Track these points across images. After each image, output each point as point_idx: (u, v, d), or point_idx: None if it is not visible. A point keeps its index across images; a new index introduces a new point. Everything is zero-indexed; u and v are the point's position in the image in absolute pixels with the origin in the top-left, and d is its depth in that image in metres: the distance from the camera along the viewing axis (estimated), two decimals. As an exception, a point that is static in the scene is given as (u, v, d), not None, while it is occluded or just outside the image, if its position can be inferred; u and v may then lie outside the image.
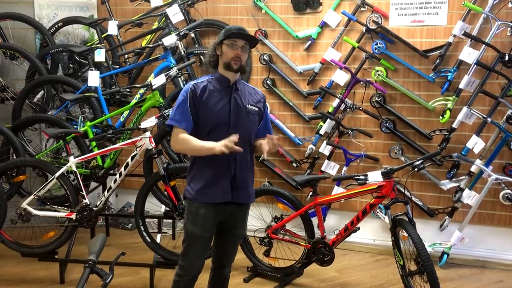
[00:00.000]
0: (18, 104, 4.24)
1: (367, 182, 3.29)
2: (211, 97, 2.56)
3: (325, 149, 4.28)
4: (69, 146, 3.73)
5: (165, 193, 3.73)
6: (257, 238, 3.84)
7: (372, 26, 4.12)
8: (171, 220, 4.38)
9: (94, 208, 3.70)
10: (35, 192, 3.75)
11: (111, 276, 1.59)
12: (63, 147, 3.79)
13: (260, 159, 4.36)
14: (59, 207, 3.80)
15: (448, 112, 3.95)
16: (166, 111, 3.68)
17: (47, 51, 4.44)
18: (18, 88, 4.38)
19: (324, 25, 4.34)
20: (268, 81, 4.51)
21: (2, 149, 4.14)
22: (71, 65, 4.61)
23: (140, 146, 3.57)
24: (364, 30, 4.17)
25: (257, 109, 2.65)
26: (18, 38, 4.57)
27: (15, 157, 4.04)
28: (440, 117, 4.02)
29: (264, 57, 4.48)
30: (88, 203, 3.69)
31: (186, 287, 2.74)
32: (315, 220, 3.64)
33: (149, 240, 3.70)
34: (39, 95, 4.36)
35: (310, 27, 4.41)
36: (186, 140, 2.54)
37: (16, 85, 4.47)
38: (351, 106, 4.17)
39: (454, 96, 3.96)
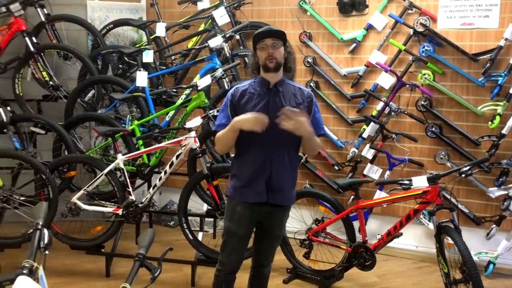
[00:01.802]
0: (71, 102, 4.41)
1: (412, 187, 3.24)
2: (249, 100, 2.61)
3: (368, 152, 4.24)
4: (117, 144, 3.86)
5: (208, 192, 3.81)
6: (297, 240, 3.85)
7: (420, 29, 4.05)
8: (212, 219, 4.43)
9: (140, 205, 3.82)
10: (85, 188, 3.90)
11: (159, 270, 1.65)
12: (112, 144, 3.93)
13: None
14: (107, 203, 3.94)
15: (497, 117, 3.84)
16: (211, 111, 3.75)
17: (98, 52, 4.60)
18: (71, 88, 4.55)
19: (369, 28, 4.30)
20: (311, 84, 4.51)
21: (54, 146, 4.31)
22: (120, 66, 4.76)
23: (184, 145, 3.65)
24: (411, 33, 4.10)
25: (299, 110, 2.61)
26: (71, 39, 4.75)
27: (66, 154, 4.21)
28: (489, 122, 3.90)
29: (308, 59, 4.49)
30: (134, 199, 3.81)
31: (225, 282, 2.80)
32: (355, 224, 3.62)
33: (191, 237, 3.78)
34: (90, 94, 4.52)
35: (355, 29, 4.38)
36: (218, 137, 2.64)
37: (68, 85, 4.65)
38: (396, 109, 4.11)
39: (504, 102, 3.83)
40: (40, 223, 1.87)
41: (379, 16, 4.23)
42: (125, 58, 4.66)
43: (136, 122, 4.11)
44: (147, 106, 4.24)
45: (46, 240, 1.84)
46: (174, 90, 4.27)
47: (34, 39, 4.38)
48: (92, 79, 4.40)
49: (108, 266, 3.86)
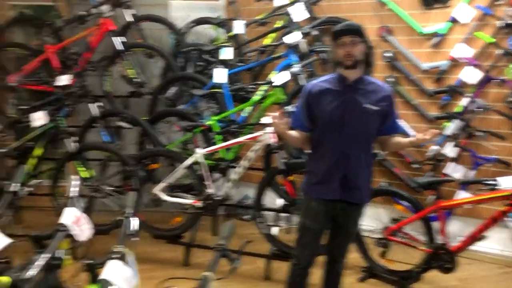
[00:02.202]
0: (154, 98, 4.63)
1: (498, 187, 3.07)
2: (325, 97, 2.60)
3: (450, 151, 4.06)
4: (197, 139, 4.00)
5: (283, 187, 3.84)
6: (373, 238, 3.78)
7: (510, 21, 3.81)
8: (287, 214, 4.46)
9: (217, 198, 3.93)
10: (166, 180, 4.09)
11: (239, 261, 1.71)
12: (191, 139, 4.08)
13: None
14: (186, 195, 4.10)
15: None
16: (288, 107, 3.78)
17: (180, 49, 4.78)
18: (154, 84, 4.77)
19: (453, 20, 4.11)
20: (390, 79, 4.39)
21: (139, 140, 4.55)
22: (199, 63, 4.91)
23: (261, 141, 3.71)
24: (499, 25, 3.86)
25: (377, 108, 2.57)
26: (155, 38, 4.97)
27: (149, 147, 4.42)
28: None
29: (387, 54, 4.37)
30: (212, 192, 3.94)
31: (299, 276, 2.86)
32: (434, 225, 3.49)
33: (266, 232, 3.84)
34: (171, 91, 4.72)
35: (437, 22, 4.20)
36: (289, 135, 2.68)
37: (152, 81, 4.88)
38: (483, 106, 3.90)
39: None
40: (130, 212, 2.00)
41: (465, 8, 4.03)
42: (204, 56, 4.80)
43: (214, 117, 4.23)
44: (225, 102, 4.34)
45: (135, 227, 1.96)
46: (252, 86, 4.34)
47: (121, 38, 4.64)
48: (173, 76, 4.59)
49: (187, 256, 4.02)
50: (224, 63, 4.47)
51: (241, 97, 4.49)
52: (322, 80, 2.67)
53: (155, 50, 4.64)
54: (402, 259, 3.65)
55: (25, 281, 1.69)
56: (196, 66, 4.91)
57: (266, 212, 4.13)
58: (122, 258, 1.78)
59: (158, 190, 4.11)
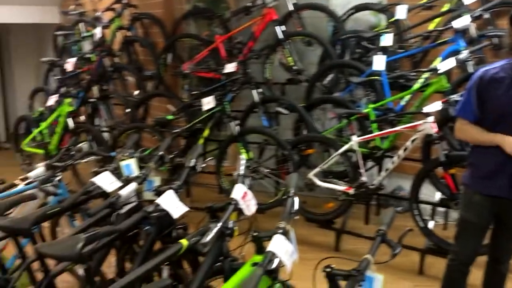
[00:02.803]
0: (310, 85, 4.74)
1: None
2: (499, 86, 2.40)
3: None
4: (352, 126, 4.00)
5: (443, 180, 3.66)
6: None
7: None
8: (444, 209, 4.24)
9: (370, 186, 3.91)
10: (320, 165, 4.18)
11: (399, 248, 1.71)
12: (347, 126, 4.10)
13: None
14: (339, 181, 4.15)
15: None
16: (452, 96, 3.56)
17: (339, 37, 4.81)
18: (311, 72, 4.88)
19: None
20: None
21: (295, 125, 4.72)
22: (357, 50, 4.88)
23: (420, 130, 3.58)
24: None
25: None
26: (313, 26, 5.07)
27: (306, 133, 4.55)
28: None
29: None
30: (366, 181, 3.92)
31: (458, 272, 2.73)
32: None
33: (422, 225, 3.71)
34: (328, 78, 4.78)
35: None
36: (466, 130, 2.53)
37: (310, 69, 4.99)
38: None
39: None
40: (292, 191, 2.12)
41: None
42: (363, 43, 4.75)
43: (371, 105, 4.18)
44: (383, 90, 4.26)
45: (296, 207, 2.08)
46: (412, 74, 4.18)
47: (283, 27, 4.82)
48: (331, 64, 4.64)
49: (337, 242, 4.08)
50: (384, 50, 4.38)
51: (400, 85, 4.35)
52: (495, 67, 2.47)
53: (314, 37, 4.73)
54: None
55: (201, 245, 1.92)
56: (354, 54, 4.89)
57: (422, 206, 4.00)
58: (285, 234, 1.91)
59: (312, 175, 4.23)
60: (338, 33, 4.88)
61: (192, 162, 2.61)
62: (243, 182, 2.29)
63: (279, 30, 4.76)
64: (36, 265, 2.34)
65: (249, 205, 2.25)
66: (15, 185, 3.12)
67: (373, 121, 4.15)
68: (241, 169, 2.36)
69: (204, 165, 2.63)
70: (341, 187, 4.08)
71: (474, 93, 2.49)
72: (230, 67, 4.59)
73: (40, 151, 5.46)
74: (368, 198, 3.95)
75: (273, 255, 1.80)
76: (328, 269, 1.67)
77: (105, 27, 5.69)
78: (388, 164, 3.92)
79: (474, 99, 2.49)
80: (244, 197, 2.24)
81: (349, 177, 4.06)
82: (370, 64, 4.31)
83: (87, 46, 6.04)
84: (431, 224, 3.79)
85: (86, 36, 5.89)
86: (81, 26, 6.45)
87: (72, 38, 6.33)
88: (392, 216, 1.85)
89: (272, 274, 1.83)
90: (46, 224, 3.18)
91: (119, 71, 5.64)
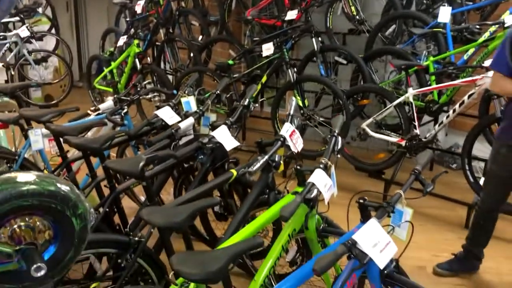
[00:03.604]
0: (372, 36, 4.69)
1: None
2: None
3: None
4: (410, 79, 3.98)
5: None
6: None
7: None
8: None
9: (423, 139, 3.92)
10: (374, 116, 4.22)
11: (432, 186, 1.81)
12: (405, 78, 4.07)
13: None
14: (392, 133, 4.19)
15: None
16: (516, 51, 3.45)
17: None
18: (374, 23, 4.82)
19: None
20: None
21: (353, 75, 4.73)
22: (424, 1, 4.74)
23: (479, 85, 3.52)
24: None
25: None
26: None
27: (362, 83, 4.58)
28: None
29: None
30: (419, 133, 3.93)
31: (483, 219, 2.92)
32: None
33: (472, 181, 3.71)
34: (390, 29, 4.70)
35: None
36: (499, 82, 2.59)
37: (372, 19, 4.92)
38: None
39: None
40: (337, 131, 2.24)
41: None
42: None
43: (431, 58, 4.11)
44: (446, 43, 4.16)
45: (339, 146, 2.20)
46: (478, 26, 4.04)
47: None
48: (393, 14, 4.55)
49: (385, 191, 4.17)
50: (450, 2, 4.24)
51: (464, 38, 4.23)
52: None
53: (379, -13, 4.64)
54: None
55: (248, 173, 2.11)
56: (419, 4, 4.76)
57: (475, 163, 3.97)
58: (326, 169, 2.05)
59: (365, 125, 4.28)
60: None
61: (246, 101, 2.78)
62: (291, 122, 2.42)
63: (343, -22, 4.71)
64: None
65: (296, 143, 2.40)
66: (88, 115, 3.45)
67: (432, 73, 4.09)
68: (291, 110, 2.49)
69: (257, 105, 2.77)
70: (393, 138, 4.11)
71: (508, 47, 2.52)
72: (291, 15, 4.64)
73: (110, 89, 5.84)
74: (420, 151, 3.95)
75: (312, 186, 1.95)
76: (361, 201, 1.81)
77: (173, -29, 5.84)
78: (443, 118, 3.89)
79: (508, 53, 2.52)
80: (291, 135, 2.39)
81: (402, 129, 4.08)
82: (436, 15, 4.20)
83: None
84: (481, 181, 3.77)
85: (155, -21, 6.08)
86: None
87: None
88: (428, 158, 1.93)
89: (310, 203, 1.99)
90: (113, 154, 3.53)
91: (185, 15, 5.82)
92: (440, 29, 4.11)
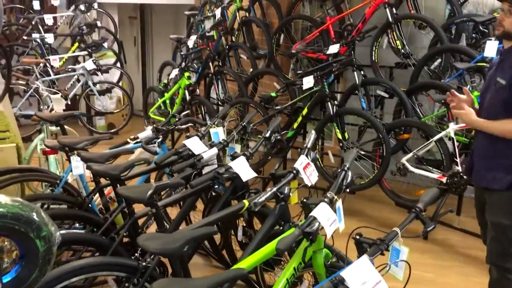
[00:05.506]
0: (417, 70, 4.61)
1: None
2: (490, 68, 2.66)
3: None
4: (452, 114, 3.85)
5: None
6: None
7: None
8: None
9: (465, 177, 3.75)
10: (415, 151, 4.11)
11: (433, 226, 1.75)
12: (446, 113, 3.95)
13: None
14: (433, 169, 4.04)
15: None
16: None
17: (452, 21, 4.58)
18: (420, 56, 4.73)
19: None
20: None
21: (395, 109, 4.65)
22: (473, 35, 4.61)
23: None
24: None
25: (504, 82, 2.40)
26: (429, 9, 4.88)
27: (405, 117, 4.48)
28: None
29: None
30: (460, 170, 3.77)
31: None
32: None
33: None
34: (436, 63, 4.60)
35: None
36: None
37: (419, 53, 4.84)
38: None
39: None
40: (347, 166, 2.22)
41: None
42: (480, 27, 4.48)
43: (476, 93, 3.95)
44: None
45: (348, 180, 2.18)
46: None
47: (394, 10, 4.73)
48: (440, 48, 4.46)
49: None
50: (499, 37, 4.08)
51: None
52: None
53: (425, 21, 4.57)
54: None
55: (254, 204, 2.14)
56: (469, 39, 4.64)
57: None
58: (331, 203, 2.03)
59: (405, 160, 4.18)
60: (454, 16, 4.65)
61: (267, 133, 2.83)
62: (307, 155, 2.44)
63: (390, 12, 4.68)
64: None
65: (310, 175, 2.41)
66: (127, 143, 3.65)
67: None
68: (309, 143, 2.50)
69: (278, 136, 2.81)
70: (434, 175, 3.98)
71: None
72: (333, 48, 4.67)
73: (163, 119, 6.12)
74: (461, 188, 3.79)
75: (314, 219, 1.94)
76: (357, 237, 1.78)
77: (226, 8, 6.10)
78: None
79: None
80: (305, 167, 2.40)
81: (443, 166, 3.94)
82: (483, 50, 4.07)
83: (209, 25, 6.53)
84: None
85: (208, 16, 6.37)
86: (208, 6, 6.98)
87: (198, 18, 6.87)
88: (432, 196, 1.87)
89: (310, 236, 1.98)
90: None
91: (235, 49, 6.03)
92: (485, 64, 3.97)
